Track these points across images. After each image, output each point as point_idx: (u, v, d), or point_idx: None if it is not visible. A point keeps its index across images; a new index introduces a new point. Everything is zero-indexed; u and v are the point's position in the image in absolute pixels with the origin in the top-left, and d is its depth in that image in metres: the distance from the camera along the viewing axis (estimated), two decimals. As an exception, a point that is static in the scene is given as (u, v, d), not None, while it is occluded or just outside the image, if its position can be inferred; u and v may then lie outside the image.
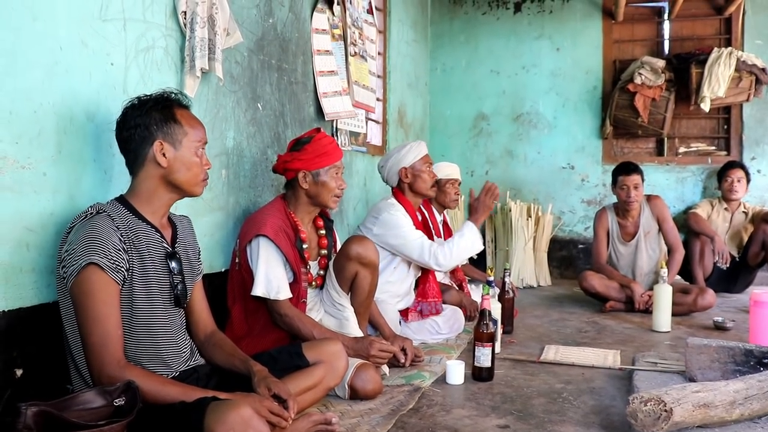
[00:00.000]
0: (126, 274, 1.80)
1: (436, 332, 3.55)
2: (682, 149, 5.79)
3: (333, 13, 3.90)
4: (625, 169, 4.42)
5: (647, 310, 4.20)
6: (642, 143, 5.88)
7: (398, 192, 3.58)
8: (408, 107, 5.61)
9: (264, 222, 2.65)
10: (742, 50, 5.43)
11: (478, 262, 5.85)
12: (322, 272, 2.92)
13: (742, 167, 5.16)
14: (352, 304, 2.91)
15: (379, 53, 5.00)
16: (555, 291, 5.39)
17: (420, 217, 3.69)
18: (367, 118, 4.88)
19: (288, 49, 3.44)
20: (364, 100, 4.41)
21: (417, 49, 5.90)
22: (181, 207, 2.45)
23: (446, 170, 4.22)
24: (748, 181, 5.14)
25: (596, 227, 4.65)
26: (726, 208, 5.19)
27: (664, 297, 3.85)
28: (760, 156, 5.52)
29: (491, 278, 3.36)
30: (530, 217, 5.65)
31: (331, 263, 2.93)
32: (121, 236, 1.80)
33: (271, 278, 2.59)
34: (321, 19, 3.78)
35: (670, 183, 5.71)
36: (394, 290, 3.48)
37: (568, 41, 5.93)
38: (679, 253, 4.42)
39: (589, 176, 5.90)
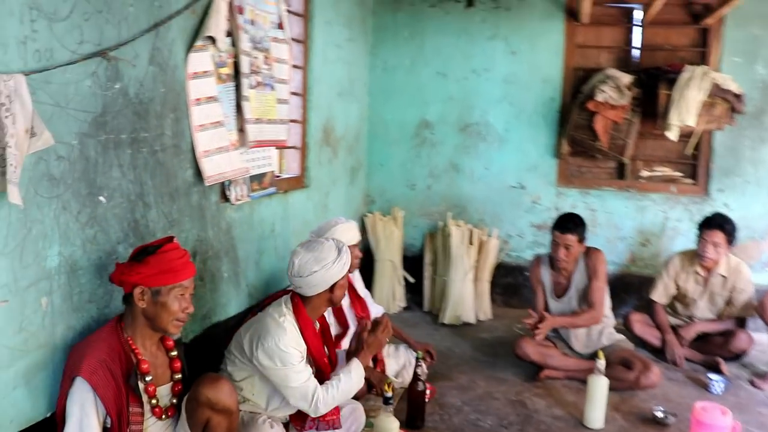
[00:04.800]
0: None
1: (329, 436, 3.05)
2: (644, 173, 5.20)
3: (218, 48, 3.20)
4: (561, 226, 3.88)
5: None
6: (602, 163, 5.26)
7: (300, 303, 2.87)
8: (337, 120, 4.93)
9: (82, 356, 2.18)
10: (719, 66, 4.80)
11: (415, 287, 5.37)
12: (175, 400, 2.43)
13: (723, 229, 4.13)
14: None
15: (296, 66, 4.31)
16: (494, 331, 4.91)
17: (319, 328, 3.05)
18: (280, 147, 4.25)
19: (148, 113, 2.78)
20: (272, 135, 3.77)
21: (353, 48, 5.16)
22: None
23: (344, 235, 3.57)
24: (730, 242, 4.17)
25: (531, 278, 4.18)
26: (697, 272, 4.31)
27: (598, 391, 3.38)
28: (729, 189, 4.96)
29: (389, 394, 2.86)
30: (472, 243, 5.10)
31: (183, 402, 2.42)
32: None
33: (84, 427, 2.13)
34: (202, 59, 3.09)
35: (629, 211, 5.16)
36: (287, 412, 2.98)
37: (526, 44, 5.21)
38: (594, 314, 3.89)
39: (541, 198, 5.32)
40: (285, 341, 2.71)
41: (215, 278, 3.41)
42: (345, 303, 3.75)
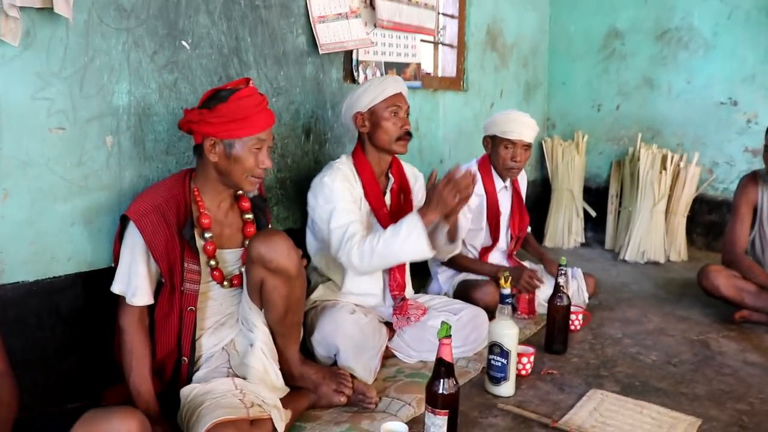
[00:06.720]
0: None
1: (443, 345, 2.59)
2: None
3: None
4: None
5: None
6: None
7: (358, 147, 2.61)
8: (507, 23, 4.37)
9: (138, 198, 1.99)
10: None
11: (597, 223, 4.66)
12: (244, 268, 2.12)
13: None
14: (267, 323, 2.10)
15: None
16: (684, 273, 4.03)
17: (391, 185, 2.66)
18: (434, 42, 3.86)
19: (247, -39, 2.53)
20: (412, 20, 3.39)
21: (530, -56, 4.57)
22: (22, 190, 1.92)
23: (504, 125, 3.08)
24: None
25: (738, 200, 3.23)
26: None
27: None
28: None
29: (506, 290, 2.32)
30: (665, 169, 4.24)
31: None
32: None
33: (132, 273, 1.94)
34: None
35: None
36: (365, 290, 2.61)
37: None
38: None
39: (759, 116, 4.23)
40: (332, 176, 2.44)
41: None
42: (505, 210, 3.27)
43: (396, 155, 2.64)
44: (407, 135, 2.54)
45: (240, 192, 2.16)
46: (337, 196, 2.40)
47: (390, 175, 2.66)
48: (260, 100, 2.04)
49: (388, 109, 2.50)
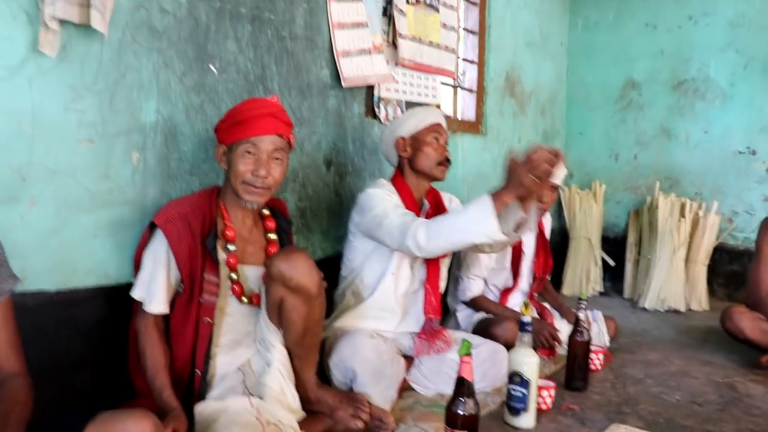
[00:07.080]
0: None
1: (460, 379, 2.53)
2: None
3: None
4: None
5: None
6: None
7: (397, 173, 2.67)
8: (526, 71, 4.45)
9: (165, 207, 2.01)
10: None
11: (615, 273, 4.60)
12: (263, 287, 2.09)
13: None
14: (285, 344, 2.07)
15: (470, 1, 3.98)
16: (706, 321, 3.95)
17: (426, 210, 2.69)
18: (454, 86, 3.92)
19: (276, -7, 2.62)
20: (433, 61, 3.45)
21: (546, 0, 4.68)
22: (48, 199, 1.94)
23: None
24: None
25: (761, 241, 3.20)
26: None
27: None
28: None
29: (526, 318, 2.28)
30: (684, 216, 4.22)
31: None
32: None
33: (152, 280, 1.95)
34: (346, -48, 2.90)
35: None
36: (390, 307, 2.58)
37: (759, -23, 4.29)
38: None
39: (778, 165, 4.27)
40: (374, 187, 2.54)
41: (355, 198, 3.10)
42: (529, 251, 3.24)
43: (432, 182, 2.70)
44: (446, 161, 2.61)
45: (266, 211, 2.17)
46: (386, 198, 2.46)
47: (425, 201, 2.70)
48: (265, 105, 2.02)
49: (430, 135, 2.58)
